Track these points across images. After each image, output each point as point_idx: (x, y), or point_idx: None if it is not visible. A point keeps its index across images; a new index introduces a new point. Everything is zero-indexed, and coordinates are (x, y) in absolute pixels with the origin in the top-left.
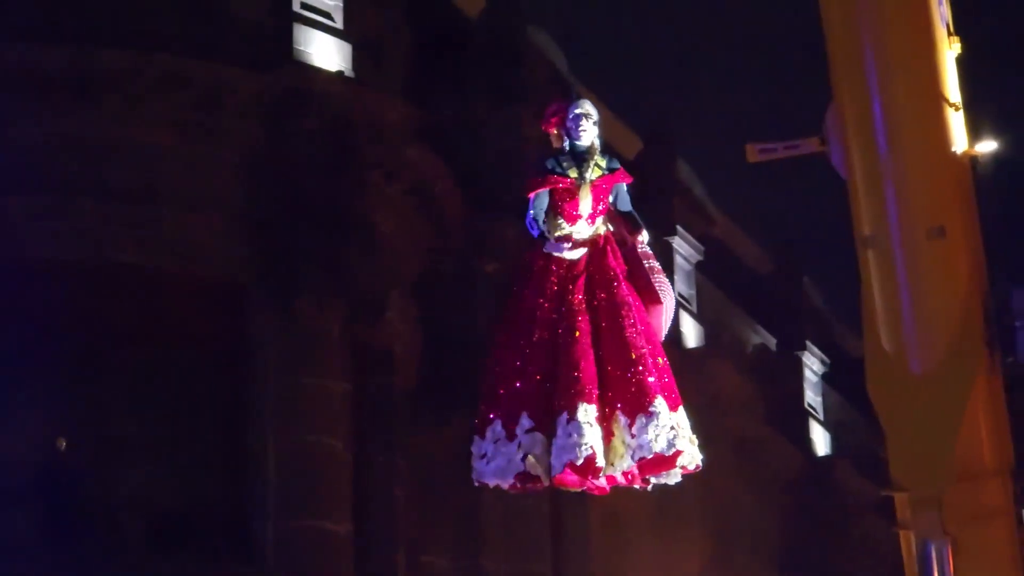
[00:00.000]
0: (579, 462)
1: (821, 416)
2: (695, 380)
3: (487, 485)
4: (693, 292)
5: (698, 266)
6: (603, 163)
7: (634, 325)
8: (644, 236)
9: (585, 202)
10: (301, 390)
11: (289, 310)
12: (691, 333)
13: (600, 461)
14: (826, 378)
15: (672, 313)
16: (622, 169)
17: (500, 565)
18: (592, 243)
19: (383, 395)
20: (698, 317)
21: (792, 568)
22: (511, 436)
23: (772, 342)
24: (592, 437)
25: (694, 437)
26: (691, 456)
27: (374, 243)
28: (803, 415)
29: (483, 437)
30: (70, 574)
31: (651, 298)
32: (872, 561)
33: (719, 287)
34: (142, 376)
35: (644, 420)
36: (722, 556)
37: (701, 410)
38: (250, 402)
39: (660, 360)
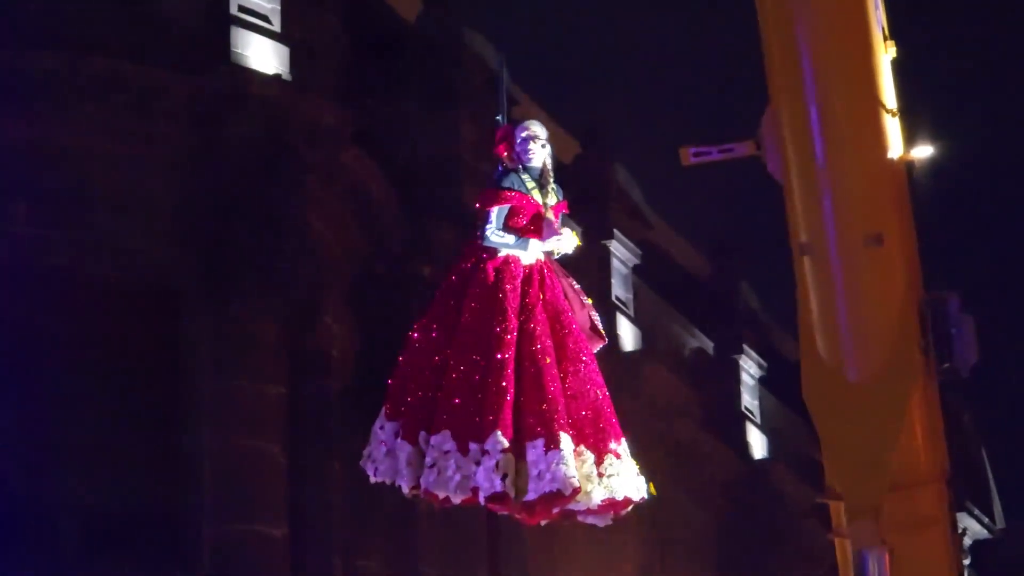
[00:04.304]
0: (567, 493)
1: (758, 420)
2: (632, 384)
3: (433, 496)
4: (630, 296)
5: (635, 270)
6: (555, 189)
7: (592, 361)
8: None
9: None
10: (236, 393)
11: (223, 313)
12: (628, 336)
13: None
14: (763, 382)
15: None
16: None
17: (435, 570)
18: (537, 270)
19: (319, 398)
20: (635, 321)
21: (729, 572)
22: (465, 451)
23: (709, 346)
24: (575, 470)
25: None
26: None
27: (310, 246)
28: (740, 419)
29: (415, 445)
30: None
31: (596, 333)
32: (809, 564)
33: (656, 291)
34: (75, 379)
35: (615, 462)
36: (658, 560)
37: (637, 413)
38: (184, 406)
39: None
